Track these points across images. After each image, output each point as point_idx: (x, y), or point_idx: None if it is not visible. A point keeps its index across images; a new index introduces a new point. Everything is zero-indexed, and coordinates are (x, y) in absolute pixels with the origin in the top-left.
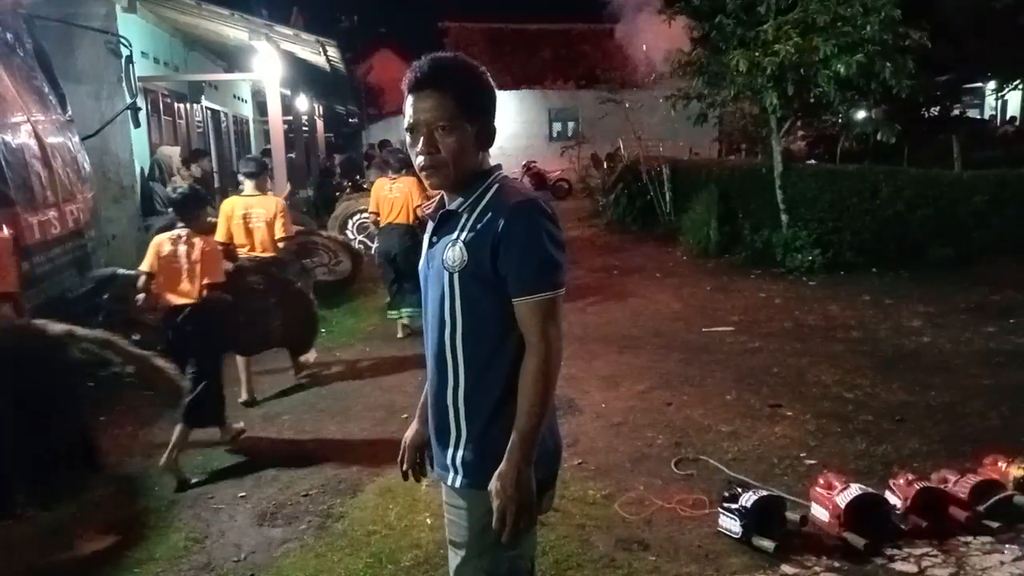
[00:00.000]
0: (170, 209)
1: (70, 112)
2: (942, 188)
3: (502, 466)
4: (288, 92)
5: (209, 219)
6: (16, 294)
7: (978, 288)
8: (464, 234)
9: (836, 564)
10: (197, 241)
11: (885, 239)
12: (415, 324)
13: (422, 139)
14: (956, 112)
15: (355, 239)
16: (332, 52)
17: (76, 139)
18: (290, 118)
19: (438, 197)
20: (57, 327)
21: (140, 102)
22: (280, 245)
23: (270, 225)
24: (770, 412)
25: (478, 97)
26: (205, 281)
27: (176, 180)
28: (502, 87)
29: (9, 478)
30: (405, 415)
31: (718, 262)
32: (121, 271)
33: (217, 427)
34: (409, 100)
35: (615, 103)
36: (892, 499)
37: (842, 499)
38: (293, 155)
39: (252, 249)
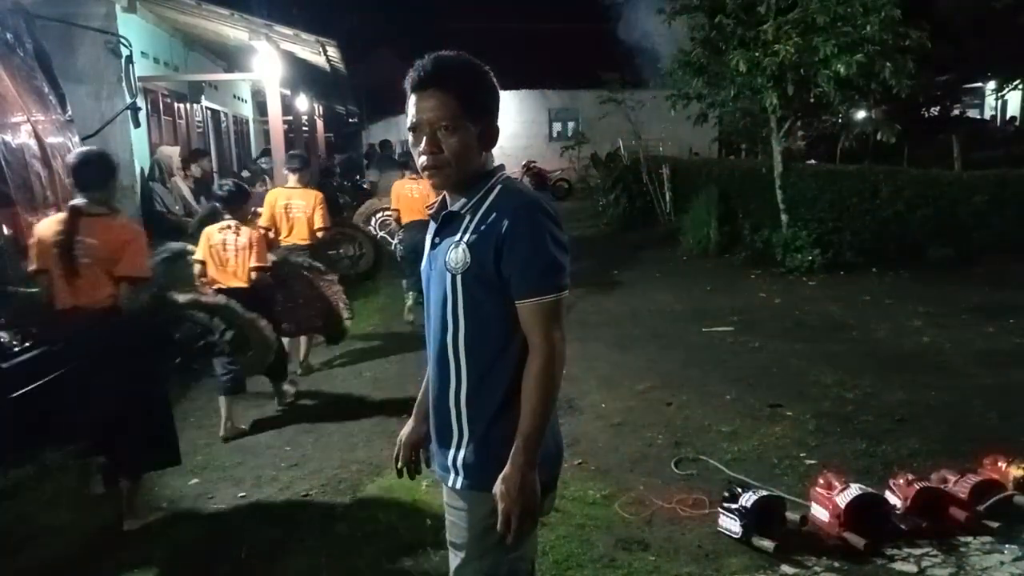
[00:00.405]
0: (176, 208)
1: (70, 112)
2: (942, 188)
3: (506, 469)
4: (288, 92)
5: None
6: (151, 279)
7: (978, 288)
8: (467, 236)
9: (836, 564)
10: (244, 229)
11: (885, 239)
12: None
13: (425, 139)
14: (956, 112)
15: (378, 235)
16: (332, 52)
17: (76, 139)
18: (290, 118)
19: (440, 197)
20: (183, 296)
21: (140, 102)
22: (319, 235)
23: (308, 216)
24: (770, 412)
25: (482, 97)
26: (253, 263)
27: (176, 180)
28: (502, 87)
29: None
30: (405, 414)
31: (718, 262)
32: (190, 246)
33: (280, 383)
34: (412, 99)
35: (615, 103)
36: (892, 499)
37: (842, 499)
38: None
39: (289, 237)
